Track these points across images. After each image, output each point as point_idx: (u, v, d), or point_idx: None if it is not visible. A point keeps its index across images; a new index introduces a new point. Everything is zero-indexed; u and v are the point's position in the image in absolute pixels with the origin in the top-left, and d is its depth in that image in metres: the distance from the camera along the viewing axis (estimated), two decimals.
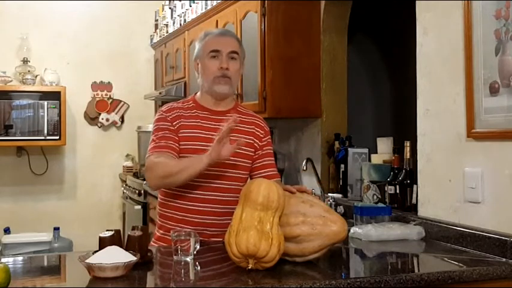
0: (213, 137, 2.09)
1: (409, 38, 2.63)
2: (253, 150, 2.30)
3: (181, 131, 2.24)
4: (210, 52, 2.26)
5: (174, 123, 2.24)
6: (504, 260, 1.94)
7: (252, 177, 2.30)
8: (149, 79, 5.91)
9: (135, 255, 1.77)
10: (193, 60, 2.37)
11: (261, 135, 2.34)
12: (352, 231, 2.31)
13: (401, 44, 3.64)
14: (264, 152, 2.34)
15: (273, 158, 2.38)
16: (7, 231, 5.23)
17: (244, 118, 2.32)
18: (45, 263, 2.17)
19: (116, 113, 5.86)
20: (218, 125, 2.16)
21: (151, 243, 2.29)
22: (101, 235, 1.99)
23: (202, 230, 2.16)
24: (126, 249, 1.83)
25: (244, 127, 2.29)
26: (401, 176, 2.59)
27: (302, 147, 3.63)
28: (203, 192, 2.21)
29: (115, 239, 1.93)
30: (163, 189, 2.30)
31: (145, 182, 4.37)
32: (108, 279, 1.67)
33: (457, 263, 1.94)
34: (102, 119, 5.80)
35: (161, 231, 2.30)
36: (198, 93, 2.37)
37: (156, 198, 2.43)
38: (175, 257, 1.91)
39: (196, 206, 2.21)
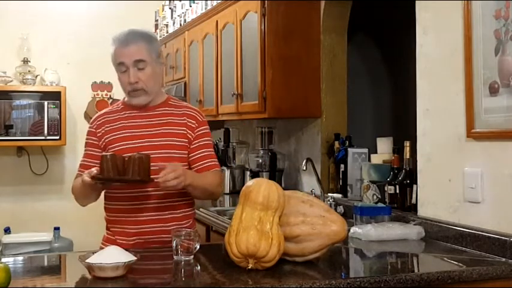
0: (144, 133, 2.24)
1: (409, 38, 2.63)
2: (186, 140, 2.29)
3: (106, 136, 2.29)
4: (118, 65, 2.27)
5: (98, 131, 2.31)
6: (504, 259, 1.94)
7: (192, 169, 2.28)
8: None
9: (135, 254, 1.77)
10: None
11: (194, 126, 2.31)
12: (352, 231, 2.32)
13: (401, 44, 3.64)
14: (200, 144, 2.31)
15: (211, 149, 2.35)
16: (7, 231, 5.22)
17: (175, 110, 2.34)
18: (45, 263, 2.17)
19: None
20: (148, 121, 2.28)
21: (101, 245, 2.28)
22: (103, 153, 2.10)
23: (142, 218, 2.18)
24: (127, 170, 1.86)
25: (175, 119, 2.31)
26: (401, 176, 2.59)
27: (302, 147, 3.63)
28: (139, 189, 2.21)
29: (116, 159, 2.04)
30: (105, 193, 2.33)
31: None
32: (108, 279, 1.68)
33: (456, 263, 1.95)
34: None
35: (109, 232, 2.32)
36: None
37: None
38: (175, 257, 1.91)
39: (134, 203, 2.22)
